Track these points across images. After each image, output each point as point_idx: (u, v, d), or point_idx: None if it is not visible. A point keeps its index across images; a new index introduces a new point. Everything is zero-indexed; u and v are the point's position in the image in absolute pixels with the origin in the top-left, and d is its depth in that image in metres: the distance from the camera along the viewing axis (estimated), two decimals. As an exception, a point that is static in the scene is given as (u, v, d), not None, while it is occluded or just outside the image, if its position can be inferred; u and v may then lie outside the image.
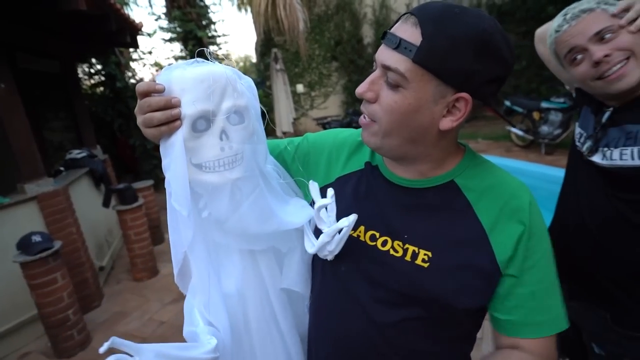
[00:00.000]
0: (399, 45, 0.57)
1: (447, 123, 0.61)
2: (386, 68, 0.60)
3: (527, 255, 0.64)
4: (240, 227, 0.70)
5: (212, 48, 7.89)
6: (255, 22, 7.19)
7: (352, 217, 0.63)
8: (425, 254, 0.65)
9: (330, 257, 0.70)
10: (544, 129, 5.36)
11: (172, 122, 0.60)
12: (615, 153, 0.94)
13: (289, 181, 0.84)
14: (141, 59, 7.48)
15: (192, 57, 0.65)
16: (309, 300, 0.83)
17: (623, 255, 0.95)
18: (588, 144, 1.01)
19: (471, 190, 0.67)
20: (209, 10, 7.89)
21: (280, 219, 0.71)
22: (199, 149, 0.62)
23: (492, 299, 0.66)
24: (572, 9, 0.93)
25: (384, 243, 0.68)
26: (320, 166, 0.82)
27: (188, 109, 0.60)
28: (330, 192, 0.67)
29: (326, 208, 0.67)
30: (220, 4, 13.24)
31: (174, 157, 0.61)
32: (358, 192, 0.75)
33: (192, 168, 0.63)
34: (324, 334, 0.76)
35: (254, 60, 12.62)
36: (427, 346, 0.68)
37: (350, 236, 0.71)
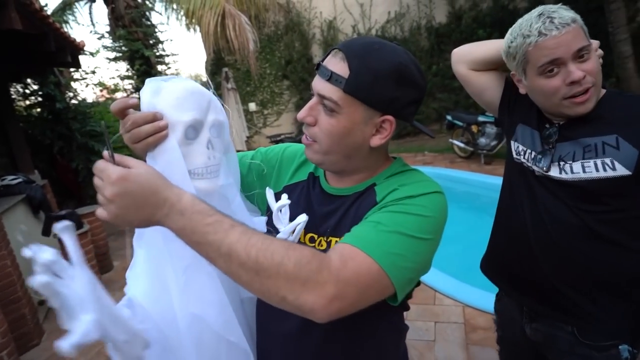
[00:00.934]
0: (331, 78, 0.67)
1: (376, 141, 0.72)
2: (322, 97, 0.69)
3: (397, 202, 0.67)
4: None
5: (160, 67, 7.74)
6: (204, 42, 7.18)
7: (304, 216, 0.71)
8: (337, 241, 0.72)
9: None
10: (482, 141, 5.80)
11: (158, 133, 0.63)
12: (576, 166, 0.94)
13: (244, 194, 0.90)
14: (83, 78, 7.15)
15: (139, 76, 0.70)
16: None
17: (589, 264, 0.97)
18: (545, 161, 1.00)
19: (383, 187, 0.74)
20: (156, 30, 7.75)
21: (254, 223, 0.78)
22: (189, 156, 0.66)
23: None
24: (555, 14, 0.88)
25: (319, 243, 0.78)
26: (272, 176, 0.91)
27: (183, 117, 0.64)
28: (285, 196, 0.76)
29: (280, 210, 0.75)
30: (168, 24, 13.14)
31: (169, 162, 0.64)
32: (300, 199, 0.83)
33: (195, 178, 0.67)
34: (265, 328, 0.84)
35: (204, 79, 12.46)
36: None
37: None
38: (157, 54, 7.71)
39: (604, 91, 0.98)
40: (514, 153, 1.10)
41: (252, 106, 9.28)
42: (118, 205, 0.56)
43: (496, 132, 5.63)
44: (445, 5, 7.99)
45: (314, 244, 0.78)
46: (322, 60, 0.71)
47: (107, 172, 0.56)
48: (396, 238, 0.62)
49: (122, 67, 7.76)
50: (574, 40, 0.87)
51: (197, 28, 6.73)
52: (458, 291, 2.70)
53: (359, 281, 0.58)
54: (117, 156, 0.59)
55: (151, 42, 7.67)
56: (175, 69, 10.29)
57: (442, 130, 7.59)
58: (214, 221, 0.56)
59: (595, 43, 0.94)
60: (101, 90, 8.03)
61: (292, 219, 0.77)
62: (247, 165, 0.93)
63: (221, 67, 8.43)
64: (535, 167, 1.03)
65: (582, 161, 0.93)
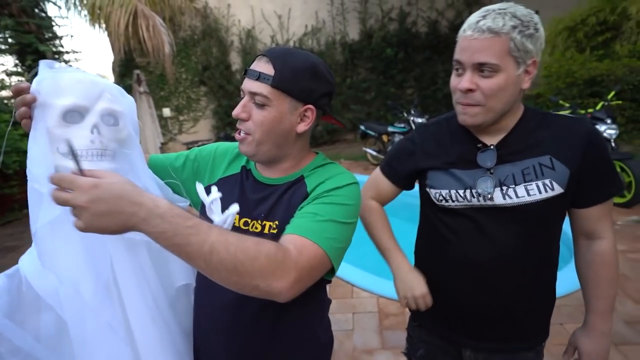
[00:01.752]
0: (259, 77, 0.81)
1: (302, 127, 0.87)
2: (253, 94, 0.82)
3: (325, 195, 0.82)
4: None
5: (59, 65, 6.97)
6: (113, 42, 6.69)
7: (236, 207, 0.81)
8: (273, 224, 0.86)
9: None
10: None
11: (23, 110, 0.71)
12: (520, 190, 0.92)
13: (168, 181, 0.98)
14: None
15: (29, 72, 0.76)
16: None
17: (534, 282, 1.00)
18: (487, 186, 0.94)
19: (310, 178, 0.88)
20: (52, 23, 6.99)
21: None
22: (71, 138, 0.69)
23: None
24: (489, 15, 0.83)
25: (253, 226, 0.88)
26: (207, 170, 1.01)
27: (61, 101, 0.70)
28: (215, 188, 0.85)
29: (212, 203, 0.83)
30: (67, 17, 11.83)
31: (35, 142, 0.69)
32: (234, 189, 0.94)
33: (59, 157, 0.70)
34: (206, 303, 0.92)
35: (112, 80, 11.49)
36: None
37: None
38: (55, 50, 6.96)
39: (521, 110, 0.96)
40: (434, 201, 1.04)
41: (167, 112, 8.84)
42: (92, 212, 0.58)
43: (403, 142, 6.23)
44: (357, 23, 8.61)
45: (247, 227, 0.88)
46: (249, 67, 0.85)
47: (77, 182, 0.58)
48: (331, 225, 0.77)
49: (9, 61, 6.84)
50: (481, 52, 0.83)
51: (104, 26, 6.24)
52: (372, 284, 2.96)
53: (311, 265, 0.72)
54: (86, 170, 0.61)
55: (47, 36, 6.90)
56: (77, 68, 9.30)
57: (356, 139, 8.11)
58: (194, 224, 0.61)
59: (525, 68, 0.86)
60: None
61: (226, 206, 0.86)
62: (182, 163, 1.04)
63: (132, 69, 7.90)
64: (474, 201, 0.97)
65: (525, 184, 0.92)
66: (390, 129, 6.40)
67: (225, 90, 8.92)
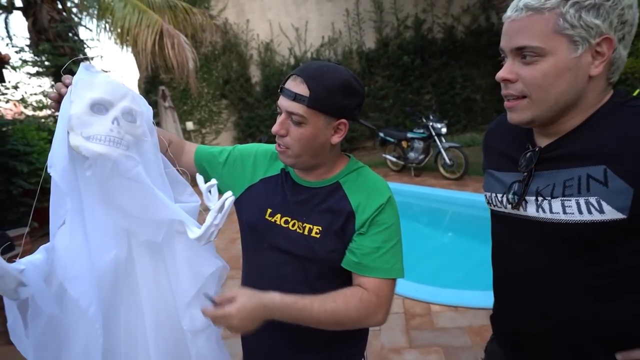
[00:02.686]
0: (295, 97, 0.89)
1: (336, 139, 0.96)
2: (290, 113, 0.90)
3: (374, 222, 0.94)
4: (118, 194, 0.84)
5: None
6: (140, 60, 7.03)
7: (230, 193, 0.85)
8: (317, 229, 0.96)
9: (215, 234, 0.84)
10: (411, 155, 6.40)
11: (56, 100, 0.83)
12: (556, 205, 0.74)
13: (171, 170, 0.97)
14: (4, 94, 6.57)
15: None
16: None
17: (580, 319, 0.77)
18: (515, 192, 0.82)
19: (348, 185, 0.99)
20: (84, 45, 7.42)
21: (155, 200, 0.84)
22: (93, 125, 0.80)
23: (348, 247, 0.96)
24: None
25: (293, 225, 0.99)
26: (247, 170, 1.10)
27: (91, 94, 0.80)
28: (214, 181, 0.87)
29: (210, 191, 0.87)
30: (98, 39, 12.55)
31: (60, 118, 0.80)
32: (276, 189, 1.05)
33: (82, 139, 0.79)
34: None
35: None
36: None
37: (270, 222, 1.01)
38: (86, 70, 7.35)
39: (606, 98, 0.74)
40: (488, 205, 0.94)
41: (190, 125, 9.16)
42: (241, 324, 0.82)
43: (423, 147, 6.26)
44: (373, 32, 8.75)
45: (287, 225, 0.99)
46: (284, 84, 0.92)
47: (225, 316, 0.81)
48: (392, 252, 0.94)
49: (46, 83, 7.28)
50: (520, 34, 0.70)
51: (131, 46, 6.58)
52: (397, 286, 3.01)
53: (389, 298, 0.95)
54: (216, 298, 0.85)
55: (80, 57, 7.32)
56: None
57: (375, 146, 8.18)
58: (302, 306, 0.86)
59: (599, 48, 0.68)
60: (24, 107, 7.39)
61: (272, 206, 1.00)
62: (225, 159, 1.12)
63: (157, 85, 8.25)
64: (509, 207, 0.84)
65: (562, 199, 0.73)
66: (409, 134, 6.44)
67: (245, 103, 9.18)
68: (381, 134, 6.85)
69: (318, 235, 0.95)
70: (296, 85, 0.89)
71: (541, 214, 0.77)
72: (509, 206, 0.83)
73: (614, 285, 0.73)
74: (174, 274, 0.91)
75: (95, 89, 0.81)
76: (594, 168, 0.70)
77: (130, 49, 6.94)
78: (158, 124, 7.86)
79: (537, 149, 0.79)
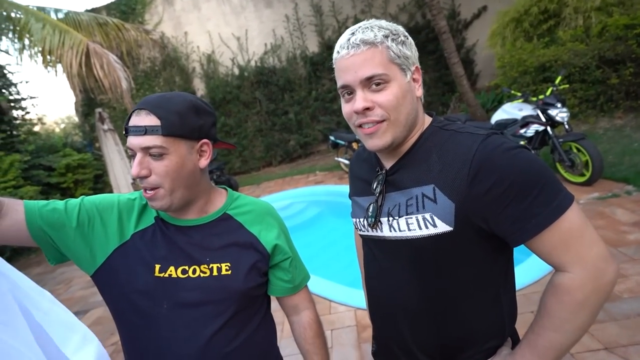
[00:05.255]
0: (147, 131, 0.81)
1: (203, 162, 0.90)
2: (146, 148, 0.82)
3: (281, 242, 0.98)
4: None
5: (16, 113, 6.84)
6: (70, 82, 6.60)
7: None
8: (226, 265, 0.90)
9: None
10: (363, 156, 6.43)
11: None
12: (402, 223, 0.81)
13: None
14: None
15: None
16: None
17: (438, 326, 0.84)
18: (371, 215, 0.87)
19: (239, 215, 0.97)
20: (5, 71, 6.86)
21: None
22: None
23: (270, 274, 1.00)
24: (357, 31, 0.78)
25: (194, 271, 0.89)
26: (111, 228, 0.90)
27: None
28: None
29: None
30: (19, 64, 11.70)
31: None
32: (158, 241, 0.90)
33: None
34: None
35: (76, 120, 11.33)
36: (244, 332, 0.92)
37: (164, 278, 0.87)
38: (10, 98, 6.81)
39: (428, 122, 0.86)
40: (356, 230, 1.01)
41: (136, 145, 8.73)
42: None
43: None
44: (315, 36, 8.74)
45: (187, 275, 0.88)
46: (128, 124, 0.83)
47: None
48: (299, 259, 1.06)
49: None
50: (364, 65, 0.75)
51: (59, 68, 6.15)
52: (349, 297, 2.96)
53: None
54: None
55: (2, 85, 6.75)
56: (36, 114, 9.14)
57: (328, 149, 8.17)
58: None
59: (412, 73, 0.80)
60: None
61: (159, 260, 0.87)
62: (76, 213, 0.89)
63: (94, 108, 7.80)
64: (370, 230, 0.90)
65: (406, 217, 0.81)
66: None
67: (192, 117, 8.88)
68: (332, 137, 6.82)
69: (229, 272, 0.89)
70: (143, 118, 0.82)
71: (393, 233, 0.84)
72: (369, 228, 0.90)
73: (454, 299, 0.83)
74: None
75: None
76: (426, 187, 0.79)
77: (57, 71, 6.51)
78: (98, 148, 7.48)
79: (384, 171, 0.88)
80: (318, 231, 5.12)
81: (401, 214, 0.82)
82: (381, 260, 0.90)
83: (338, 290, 3.08)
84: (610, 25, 5.06)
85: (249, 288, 0.91)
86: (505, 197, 0.71)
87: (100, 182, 7.57)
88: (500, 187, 0.71)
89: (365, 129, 0.80)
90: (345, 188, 5.24)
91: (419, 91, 0.82)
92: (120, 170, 7.22)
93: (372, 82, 0.76)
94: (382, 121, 0.78)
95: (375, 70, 0.76)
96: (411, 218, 0.80)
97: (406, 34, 0.82)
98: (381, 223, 0.87)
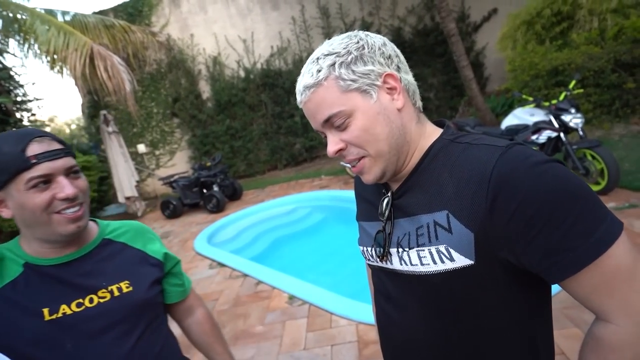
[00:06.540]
0: (64, 153, 0.83)
1: (399, 103, 0.70)
2: (69, 169, 0.82)
3: (168, 251, 1.04)
4: None
5: (20, 115, 6.84)
6: (76, 84, 6.59)
7: None
8: (125, 283, 0.90)
9: None
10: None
11: None
12: (414, 256, 0.70)
13: None
14: None
15: None
16: None
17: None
18: (378, 246, 0.78)
19: (119, 237, 0.97)
20: (11, 73, 6.86)
21: None
22: None
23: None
24: (303, 72, 0.71)
25: (91, 300, 0.85)
26: None
27: None
28: None
29: None
30: (24, 65, 11.89)
31: None
32: (36, 286, 0.82)
33: None
34: None
35: (82, 123, 11.38)
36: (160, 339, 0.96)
37: (59, 319, 0.81)
38: (16, 99, 6.81)
39: (436, 134, 0.74)
40: (365, 259, 0.89)
41: (142, 147, 8.72)
42: None
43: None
44: (322, 38, 8.65)
45: (83, 306, 0.83)
46: (35, 155, 0.78)
47: None
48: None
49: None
50: (318, 110, 0.69)
51: (65, 70, 6.14)
52: (351, 310, 2.83)
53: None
54: None
55: (9, 87, 6.76)
56: (41, 116, 9.17)
57: (334, 153, 8.06)
58: None
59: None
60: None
61: (46, 304, 0.80)
62: None
63: (99, 110, 7.80)
64: (379, 261, 0.80)
65: (417, 249, 0.69)
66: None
67: (197, 120, 8.85)
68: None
69: (131, 288, 0.90)
70: (51, 144, 0.82)
71: (404, 267, 0.73)
72: (378, 259, 0.79)
73: (477, 347, 0.70)
74: None
75: None
76: (439, 214, 0.67)
77: (65, 73, 6.50)
78: (103, 151, 7.46)
79: (389, 193, 0.77)
80: (321, 238, 5.00)
81: (411, 246, 0.70)
82: (394, 294, 0.79)
83: (340, 303, 2.96)
84: (627, 27, 4.88)
85: (153, 296, 0.95)
86: (533, 225, 0.57)
87: (105, 184, 7.55)
88: (526, 212, 0.57)
89: (352, 168, 0.74)
90: (351, 193, 5.15)
91: (399, 101, 0.69)
92: (124, 173, 7.19)
93: (333, 123, 0.69)
94: (362, 157, 0.71)
95: (330, 110, 0.68)
96: (423, 251, 0.68)
97: (362, 42, 0.69)
98: (390, 254, 0.75)
